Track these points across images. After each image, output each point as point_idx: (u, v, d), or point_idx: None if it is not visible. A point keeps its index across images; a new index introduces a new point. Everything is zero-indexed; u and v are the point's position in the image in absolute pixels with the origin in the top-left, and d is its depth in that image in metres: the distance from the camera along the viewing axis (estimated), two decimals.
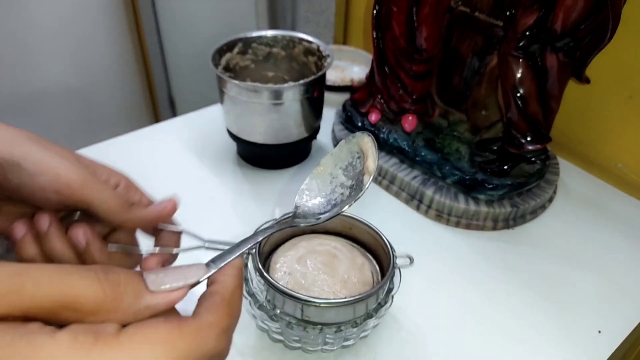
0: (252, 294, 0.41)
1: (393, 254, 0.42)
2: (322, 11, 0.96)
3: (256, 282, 0.45)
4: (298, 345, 0.43)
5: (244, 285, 0.42)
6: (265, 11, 1.10)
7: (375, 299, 0.40)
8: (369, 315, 0.40)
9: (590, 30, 0.48)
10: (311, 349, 0.43)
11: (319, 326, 0.39)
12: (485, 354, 0.45)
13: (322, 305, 0.38)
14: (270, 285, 0.39)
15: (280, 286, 0.38)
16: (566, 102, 0.54)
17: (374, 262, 0.46)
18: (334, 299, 0.39)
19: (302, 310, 0.39)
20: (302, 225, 0.36)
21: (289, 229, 0.45)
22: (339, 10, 0.94)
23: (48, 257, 0.30)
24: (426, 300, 0.49)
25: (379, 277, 0.44)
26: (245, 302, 0.44)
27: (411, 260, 0.45)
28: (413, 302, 0.49)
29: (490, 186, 0.56)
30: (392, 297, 0.42)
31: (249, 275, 0.43)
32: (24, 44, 1.15)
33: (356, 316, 0.40)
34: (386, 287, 0.41)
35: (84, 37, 1.23)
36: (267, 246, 0.45)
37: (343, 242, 0.46)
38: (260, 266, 0.40)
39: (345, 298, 0.38)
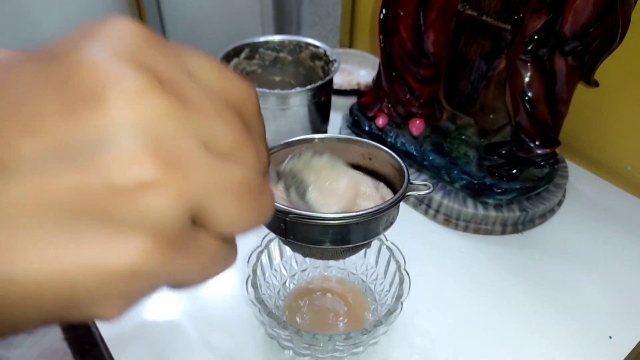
0: (261, 301, 0.41)
1: (407, 173, 0.37)
2: (328, 14, 0.96)
3: (265, 289, 0.45)
4: (308, 352, 0.43)
5: (254, 292, 0.42)
6: (270, 15, 1.10)
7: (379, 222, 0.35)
8: (378, 322, 0.40)
9: (600, 34, 0.48)
10: (321, 356, 0.42)
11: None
12: None
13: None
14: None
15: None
16: (574, 106, 0.54)
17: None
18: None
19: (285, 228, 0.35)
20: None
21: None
22: (345, 14, 0.93)
23: None
24: (435, 306, 0.49)
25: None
26: (255, 310, 0.44)
27: (429, 187, 0.38)
28: (422, 308, 0.48)
29: (499, 190, 0.56)
30: (402, 303, 0.41)
31: (257, 280, 0.43)
32: (27, 44, 1.15)
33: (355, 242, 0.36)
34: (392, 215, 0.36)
35: None
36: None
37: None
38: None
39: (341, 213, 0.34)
